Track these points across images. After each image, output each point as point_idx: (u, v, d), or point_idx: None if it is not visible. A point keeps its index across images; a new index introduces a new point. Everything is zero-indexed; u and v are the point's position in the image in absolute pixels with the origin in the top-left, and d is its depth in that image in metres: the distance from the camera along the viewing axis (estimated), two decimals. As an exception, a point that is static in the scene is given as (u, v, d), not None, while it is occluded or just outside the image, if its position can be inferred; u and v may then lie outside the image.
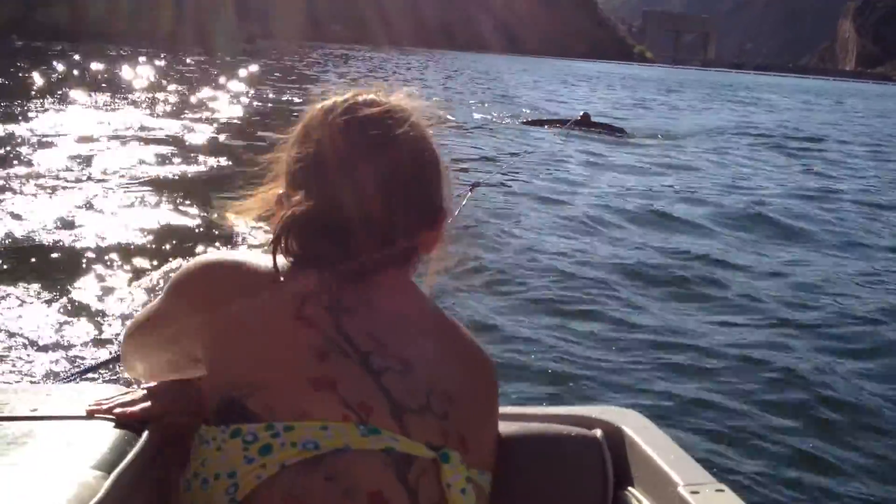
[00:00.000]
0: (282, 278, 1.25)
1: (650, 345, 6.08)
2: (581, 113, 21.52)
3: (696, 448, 4.39)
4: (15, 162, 11.30)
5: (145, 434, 1.35)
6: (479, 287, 7.09)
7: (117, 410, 1.38)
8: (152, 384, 1.45)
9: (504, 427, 1.56)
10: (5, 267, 6.77)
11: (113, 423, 1.36)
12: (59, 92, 20.57)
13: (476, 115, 22.50)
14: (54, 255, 7.20)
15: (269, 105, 22.55)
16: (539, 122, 21.68)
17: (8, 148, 12.30)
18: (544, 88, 46.24)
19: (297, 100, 23.81)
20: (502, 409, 1.60)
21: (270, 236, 1.27)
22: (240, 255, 1.33)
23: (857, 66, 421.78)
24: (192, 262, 1.33)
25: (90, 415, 1.39)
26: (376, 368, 1.24)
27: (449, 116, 20.61)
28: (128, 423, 1.37)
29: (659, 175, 14.78)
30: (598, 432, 1.64)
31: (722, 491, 1.44)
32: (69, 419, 1.38)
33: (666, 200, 11.95)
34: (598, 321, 6.50)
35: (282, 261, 1.27)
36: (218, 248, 6.90)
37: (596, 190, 12.42)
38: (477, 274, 7.39)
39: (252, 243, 6.18)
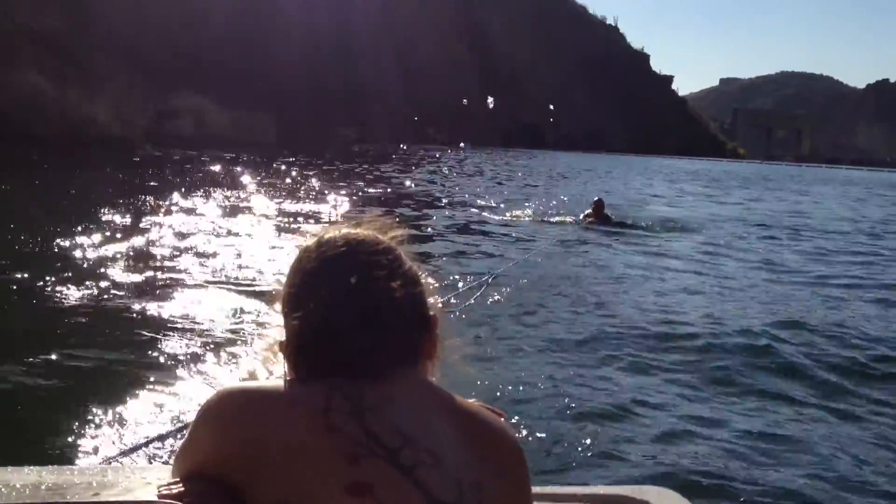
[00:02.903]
0: (299, 396, 1.33)
1: (680, 423, 6.20)
2: (595, 199, 21.34)
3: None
4: (124, 251, 12.39)
5: None
6: (493, 363, 7.27)
7: (187, 499, 1.39)
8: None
9: None
10: (73, 344, 7.23)
11: None
12: (185, 192, 22.74)
13: (505, 215, 22.25)
14: (129, 335, 7.59)
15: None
16: (550, 220, 21.04)
17: (126, 239, 13.50)
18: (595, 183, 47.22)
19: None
20: (541, 489, 1.77)
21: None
22: (256, 382, 1.44)
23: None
24: (212, 394, 1.41)
25: (158, 498, 1.39)
26: (408, 464, 1.27)
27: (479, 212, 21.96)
28: None
29: (656, 261, 15.11)
30: None
31: None
32: None
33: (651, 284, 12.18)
34: (626, 401, 6.56)
35: (296, 382, 1.38)
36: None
37: (599, 278, 12.67)
38: (490, 353, 7.66)
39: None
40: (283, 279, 1.49)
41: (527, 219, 21.22)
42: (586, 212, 20.68)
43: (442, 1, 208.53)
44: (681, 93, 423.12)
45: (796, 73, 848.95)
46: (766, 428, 6.24)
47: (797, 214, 30.92)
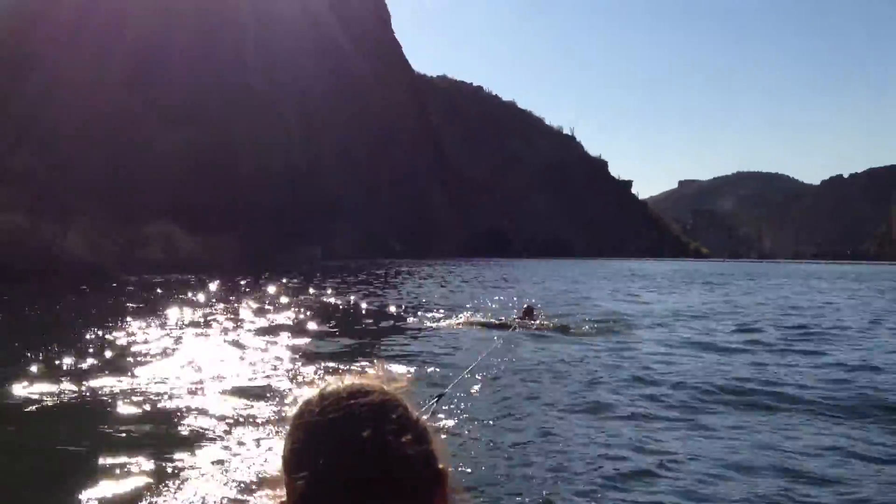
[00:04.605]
0: None
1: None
2: (525, 305, 22.77)
3: None
4: (107, 373, 13.05)
5: None
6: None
7: None
8: None
9: None
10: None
11: None
12: (156, 314, 24.46)
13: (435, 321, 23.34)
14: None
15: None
16: (486, 324, 21.76)
17: (108, 360, 14.32)
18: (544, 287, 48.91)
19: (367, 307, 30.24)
20: None
21: None
22: None
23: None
24: None
25: None
26: None
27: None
28: None
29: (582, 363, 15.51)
30: None
31: None
32: None
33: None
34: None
35: None
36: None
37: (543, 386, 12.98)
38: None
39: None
40: (284, 436, 1.39)
41: (466, 326, 21.69)
42: (516, 317, 21.90)
43: (401, 117, 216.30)
44: (641, 196, 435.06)
45: (753, 173, 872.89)
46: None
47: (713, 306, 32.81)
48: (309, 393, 1.40)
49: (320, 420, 1.32)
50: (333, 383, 1.40)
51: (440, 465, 1.38)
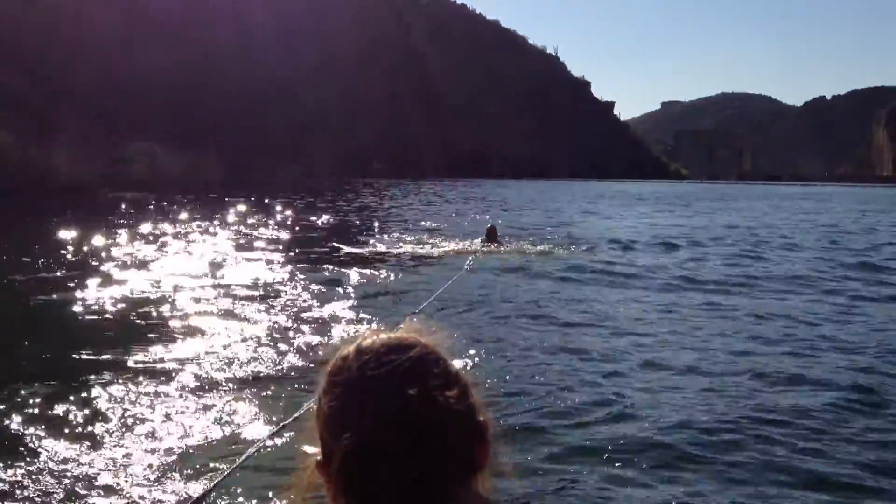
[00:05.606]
0: None
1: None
2: (489, 225, 22.44)
3: None
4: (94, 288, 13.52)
5: None
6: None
7: None
8: None
9: None
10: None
11: None
12: (143, 231, 25.04)
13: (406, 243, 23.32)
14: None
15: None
16: (449, 251, 21.36)
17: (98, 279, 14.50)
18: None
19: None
20: None
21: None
22: None
23: (895, 171, 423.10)
24: None
25: None
26: None
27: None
28: None
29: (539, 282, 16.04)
30: None
31: None
32: None
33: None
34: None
35: None
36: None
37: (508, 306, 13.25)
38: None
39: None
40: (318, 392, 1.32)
41: (430, 251, 21.47)
42: (481, 238, 21.83)
43: (382, 36, 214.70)
44: (623, 118, 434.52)
45: (735, 94, 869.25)
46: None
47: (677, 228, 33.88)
48: (343, 348, 1.34)
49: (359, 377, 1.27)
50: (369, 337, 1.34)
51: (481, 418, 1.34)
